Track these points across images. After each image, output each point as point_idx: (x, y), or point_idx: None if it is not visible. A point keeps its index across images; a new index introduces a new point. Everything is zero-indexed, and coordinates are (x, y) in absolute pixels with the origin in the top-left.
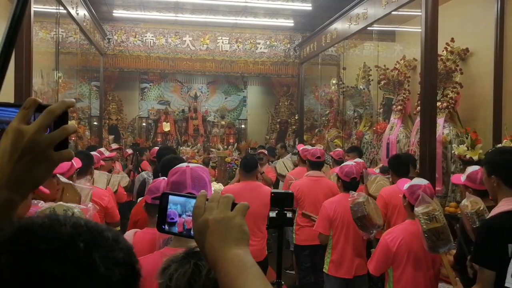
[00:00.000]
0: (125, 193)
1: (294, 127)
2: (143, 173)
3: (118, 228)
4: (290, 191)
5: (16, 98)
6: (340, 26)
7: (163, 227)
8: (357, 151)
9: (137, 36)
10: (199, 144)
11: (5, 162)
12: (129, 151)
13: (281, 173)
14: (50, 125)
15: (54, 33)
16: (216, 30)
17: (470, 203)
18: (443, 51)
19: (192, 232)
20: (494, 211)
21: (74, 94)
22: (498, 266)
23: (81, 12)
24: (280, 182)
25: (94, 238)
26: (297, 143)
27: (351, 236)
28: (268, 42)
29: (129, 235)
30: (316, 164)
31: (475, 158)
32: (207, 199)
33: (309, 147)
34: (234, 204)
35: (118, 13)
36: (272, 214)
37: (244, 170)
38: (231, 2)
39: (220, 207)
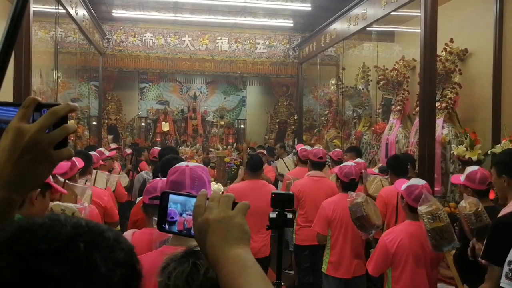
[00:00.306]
0: (126, 193)
1: (293, 127)
2: (142, 173)
3: (118, 228)
4: (290, 192)
5: (15, 98)
6: (340, 26)
7: (164, 226)
8: (355, 151)
9: (136, 36)
10: (198, 144)
11: (4, 160)
12: (128, 150)
13: (282, 172)
14: (51, 125)
15: (53, 32)
16: (216, 30)
17: (468, 204)
18: (442, 51)
19: (192, 231)
20: (505, 210)
21: (73, 94)
22: None
23: (80, 12)
24: (279, 182)
25: (95, 239)
26: (296, 143)
27: (349, 236)
28: (267, 42)
29: (128, 235)
30: (317, 164)
31: (474, 158)
32: (207, 198)
33: (308, 147)
34: (234, 203)
35: (117, 13)
36: (273, 215)
37: (250, 170)
38: (230, 2)
39: (221, 206)
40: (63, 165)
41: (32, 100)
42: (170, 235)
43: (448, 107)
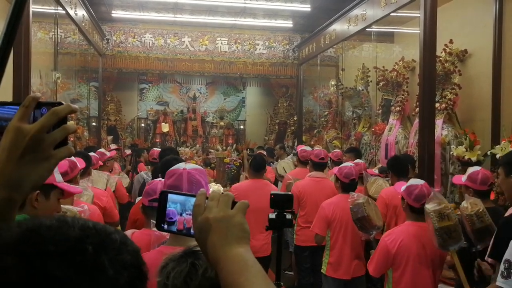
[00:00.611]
0: (127, 194)
1: (293, 128)
2: (142, 173)
3: (119, 228)
4: (290, 193)
5: (15, 99)
6: (339, 27)
7: (162, 225)
8: (355, 152)
9: (136, 36)
10: (198, 145)
11: (4, 160)
12: (128, 151)
13: (281, 174)
14: (52, 125)
15: (53, 33)
16: (215, 31)
17: (469, 205)
18: (441, 52)
19: (192, 231)
20: None
21: (73, 94)
22: None
23: (80, 13)
24: (279, 183)
25: (103, 241)
26: (296, 144)
27: (349, 237)
28: (267, 43)
29: (127, 235)
30: (319, 165)
31: (474, 159)
32: (206, 198)
33: (308, 148)
34: (234, 203)
35: (117, 13)
36: (272, 215)
37: (253, 170)
38: (230, 3)
39: (220, 205)
40: (62, 164)
41: (32, 99)
42: (168, 237)
43: (448, 108)
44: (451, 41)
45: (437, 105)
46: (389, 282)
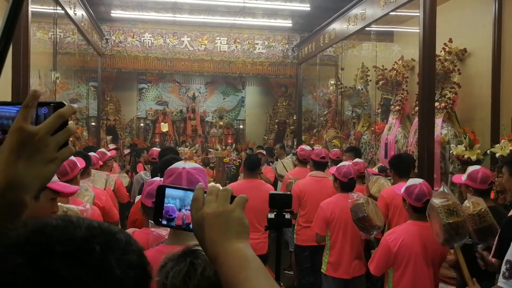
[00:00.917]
0: (127, 193)
1: (292, 127)
2: (141, 173)
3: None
4: (288, 193)
5: (14, 99)
6: (338, 26)
7: (161, 220)
8: (354, 151)
9: (135, 36)
10: (197, 145)
11: (12, 162)
12: (126, 151)
13: (281, 174)
14: (57, 127)
15: (52, 33)
16: (214, 30)
17: (472, 204)
18: (441, 51)
19: (191, 226)
20: None
21: (72, 94)
22: None
23: (79, 13)
24: (279, 183)
25: (109, 241)
26: (295, 143)
27: (348, 236)
28: (266, 43)
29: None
30: (320, 164)
31: (473, 158)
32: (205, 192)
33: (307, 147)
34: (233, 197)
35: (116, 13)
36: (271, 215)
37: (247, 169)
38: (229, 2)
39: (219, 200)
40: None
41: (33, 97)
42: (166, 237)
43: (447, 107)
44: (450, 40)
45: (436, 104)
46: (390, 282)
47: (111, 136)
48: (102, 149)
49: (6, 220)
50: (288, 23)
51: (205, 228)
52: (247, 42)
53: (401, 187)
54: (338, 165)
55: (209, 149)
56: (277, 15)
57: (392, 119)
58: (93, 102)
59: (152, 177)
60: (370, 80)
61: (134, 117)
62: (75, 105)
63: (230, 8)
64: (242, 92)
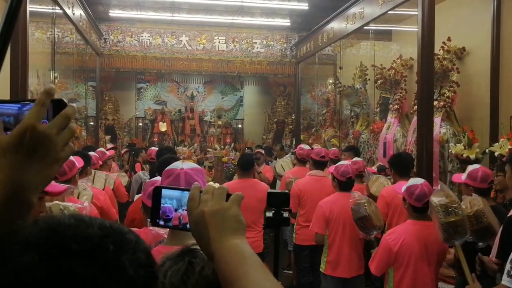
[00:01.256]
0: (126, 193)
1: (291, 126)
2: (140, 173)
3: None
4: (286, 191)
5: (12, 99)
6: (337, 25)
7: (158, 221)
8: (353, 150)
9: (133, 36)
10: (195, 144)
11: (24, 161)
12: (123, 150)
13: (280, 173)
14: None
15: (50, 33)
16: (213, 29)
17: (468, 204)
18: (439, 50)
19: (188, 226)
20: None
21: (70, 94)
22: None
23: (77, 12)
24: (278, 182)
25: (121, 240)
26: (294, 142)
27: (347, 235)
28: (264, 42)
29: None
30: (319, 164)
31: (472, 157)
32: (201, 191)
33: (306, 146)
34: (228, 195)
35: (114, 13)
36: (269, 214)
37: (241, 169)
38: (227, 1)
39: (215, 198)
40: None
41: (48, 94)
42: (165, 236)
43: (446, 105)
44: (449, 39)
45: (435, 103)
46: (390, 281)
47: (109, 136)
48: (101, 149)
49: (16, 220)
50: (286, 22)
51: (202, 226)
52: (246, 41)
53: (401, 186)
54: (336, 164)
55: (208, 149)
56: (275, 14)
57: (390, 118)
58: (91, 102)
59: (150, 177)
60: (369, 79)
61: (133, 117)
62: (74, 105)
63: (228, 8)
64: (240, 91)
